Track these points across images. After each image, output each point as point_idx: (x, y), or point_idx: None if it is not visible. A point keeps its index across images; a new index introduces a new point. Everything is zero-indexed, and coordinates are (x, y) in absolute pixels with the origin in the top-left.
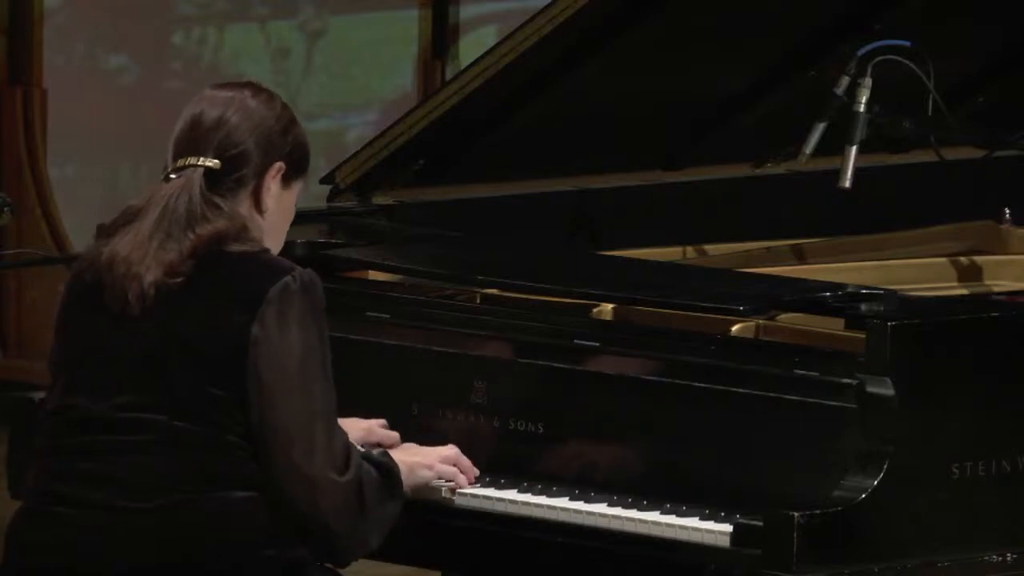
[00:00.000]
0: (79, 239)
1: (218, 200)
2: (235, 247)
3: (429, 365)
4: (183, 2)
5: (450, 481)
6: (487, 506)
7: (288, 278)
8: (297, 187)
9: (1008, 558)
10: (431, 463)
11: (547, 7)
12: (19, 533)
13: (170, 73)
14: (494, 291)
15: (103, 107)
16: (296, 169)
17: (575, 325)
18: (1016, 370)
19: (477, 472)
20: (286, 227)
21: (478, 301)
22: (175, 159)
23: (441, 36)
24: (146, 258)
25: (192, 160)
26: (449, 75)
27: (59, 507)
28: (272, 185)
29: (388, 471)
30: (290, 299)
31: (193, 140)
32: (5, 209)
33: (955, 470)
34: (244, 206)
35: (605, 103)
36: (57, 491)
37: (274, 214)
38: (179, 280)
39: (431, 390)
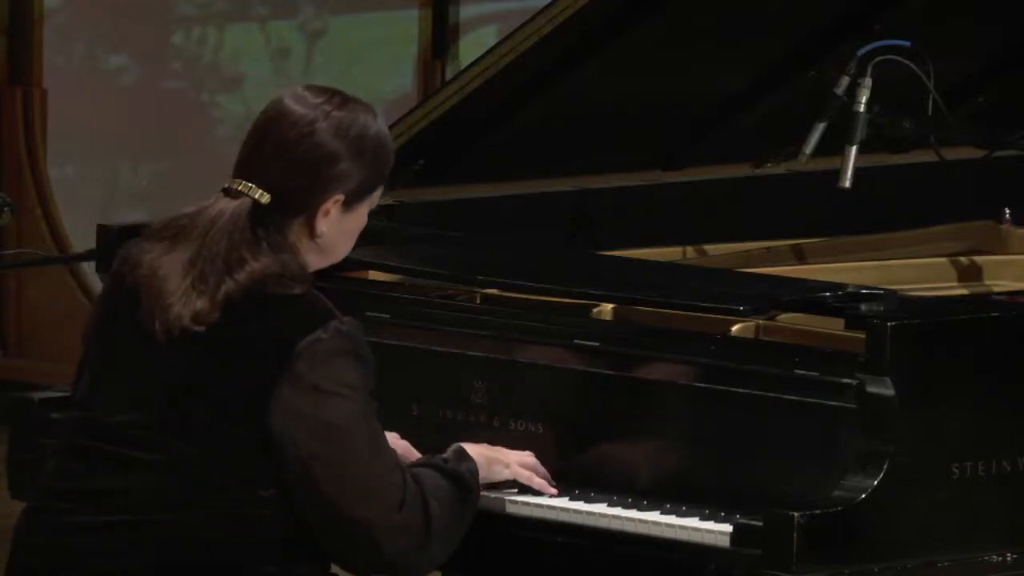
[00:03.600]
0: (79, 239)
1: (262, 232)
2: (272, 288)
3: (429, 365)
4: (183, 2)
5: (524, 488)
6: (487, 506)
7: (320, 331)
8: (365, 206)
9: (1008, 558)
10: (508, 461)
11: (547, 7)
12: (23, 533)
13: (170, 73)
14: (494, 291)
15: (103, 107)
16: (361, 194)
17: (575, 325)
18: (1016, 370)
19: (552, 488)
20: (352, 241)
21: (478, 301)
22: (238, 169)
23: (441, 36)
24: (177, 291)
25: (245, 186)
26: (449, 75)
27: (64, 508)
28: (332, 210)
29: (459, 478)
30: (320, 352)
31: (253, 160)
32: (5, 209)
33: (955, 470)
34: (294, 231)
35: (605, 103)
36: (64, 493)
37: (332, 235)
38: (202, 329)
39: (431, 390)
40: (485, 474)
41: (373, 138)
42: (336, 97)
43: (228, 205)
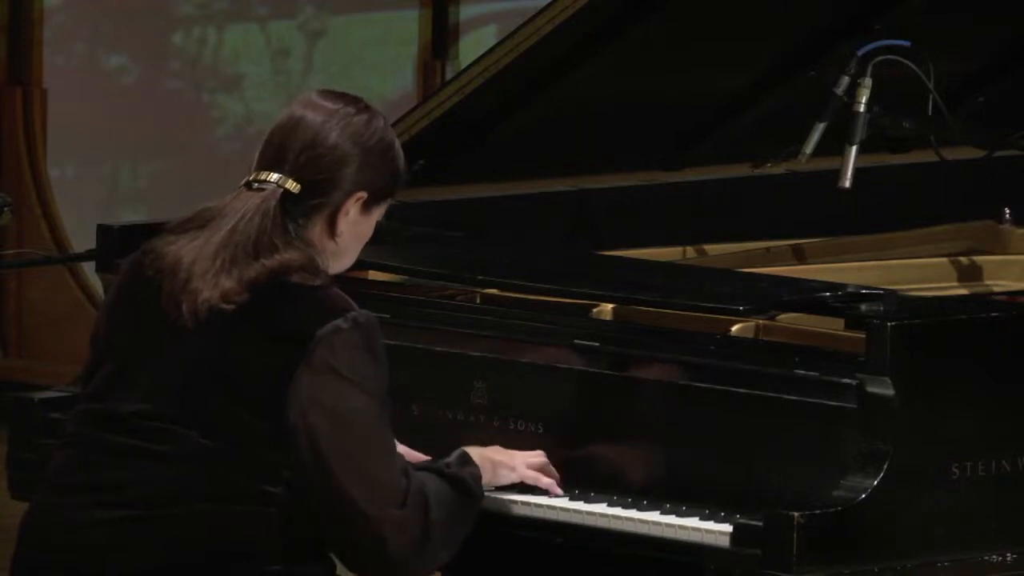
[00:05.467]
0: (79, 239)
1: (291, 225)
2: (295, 278)
3: (429, 365)
4: (183, 2)
5: (534, 484)
6: (487, 506)
7: (340, 320)
8: (379, 210)
9: (1008, 558)
10: (514, 464)
11: (547, 7)
12: (28, 528)
13: (170, 73)
14: (494, 291)
15: (103, 107)
16: (381, 196)
17: (575, 325)
18: (1016, 370)
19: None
20: (359, 248)
21: (478, 301)
22: (259, 164)
23: (441, 36)
24: (206, 275)
25: (274, 177)
26: (449, 75)
27: (68, 503)
28: (351, 210)
29: (460, 483)
30: (339, 341)
31: (282, 151)
32: (5, 209)
33: (955, 470)
34: (316, 230)
35: (605, 103)
36: (69, 487)
37: (348, 237)
38: (231, 307)
39: (431, 390)
40: (490, 479)
41: (390, 143)
42: (358, 101)
43: (256, 196)
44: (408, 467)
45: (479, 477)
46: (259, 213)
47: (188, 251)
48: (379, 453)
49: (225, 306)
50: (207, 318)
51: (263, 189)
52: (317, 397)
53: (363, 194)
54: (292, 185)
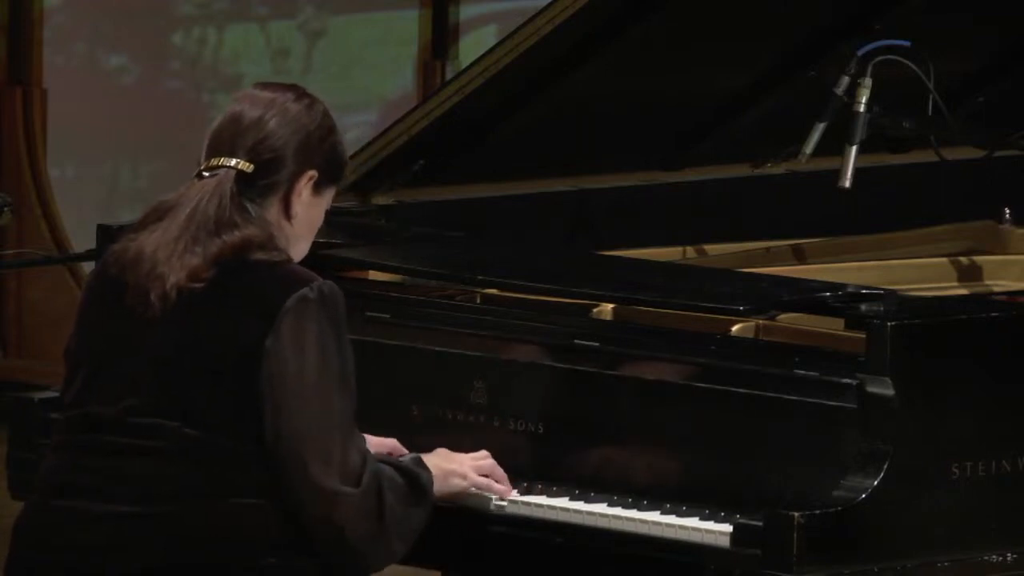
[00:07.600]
0: (79, 239)
1: (248, 204)
2: (259, 255)
3: (429, 365)
4: (183, 2)
5: (486, 491)
6: (486, 506)
7: (306, 289)
8: (328, 195)
9: (1008, 558)
10: (465, 471)
11: (546, 7)
12: (24, 528)
13: (170, 73)
14: (494, 291)
15: (103, 107)
16: (329, 178)
17: (575, 325)
18: (1016, 370)
19: (511, 489)
20: (312, 234)
21: (478, 301)
22: (209, 156)
23: (441, 36)
24: (171, 259)
25: (225, 161)
26: (449, 75)
27: (65, 504)
28: (304, 191)
29: (415, 478)
30: (307, 311)
31: (229, 140)
32: (5, 209)
33: (955, 470)
34: (273, 211)
35: (605, 103)
36: (65, 488)
37: (302, 221)
38: (200, 285)
39: (431, 390)
40: (442, 486)
41: (330, 127)
42: (296, 88)
43: (211, 181)
44: (368, 452)
45: (431, 482)
46: (216, 195)
47: (149, 242)
48: (338, 429)
49: (194, 285)
50: (176, 302)
51: (216, 175)
52: (281, 370)
53: (314, 173)
54: (245, 165)
